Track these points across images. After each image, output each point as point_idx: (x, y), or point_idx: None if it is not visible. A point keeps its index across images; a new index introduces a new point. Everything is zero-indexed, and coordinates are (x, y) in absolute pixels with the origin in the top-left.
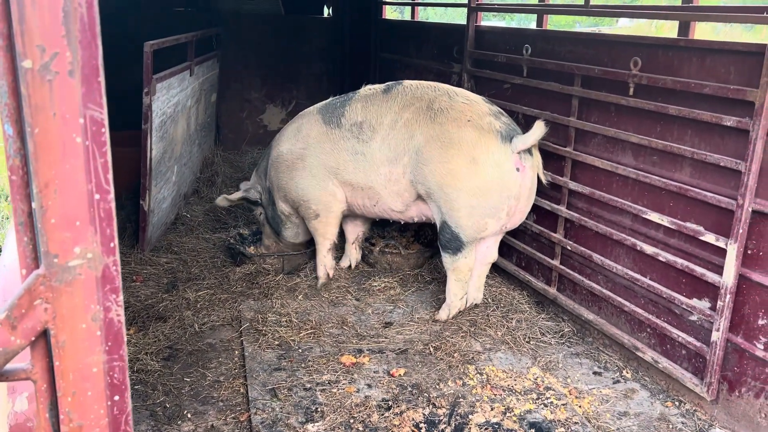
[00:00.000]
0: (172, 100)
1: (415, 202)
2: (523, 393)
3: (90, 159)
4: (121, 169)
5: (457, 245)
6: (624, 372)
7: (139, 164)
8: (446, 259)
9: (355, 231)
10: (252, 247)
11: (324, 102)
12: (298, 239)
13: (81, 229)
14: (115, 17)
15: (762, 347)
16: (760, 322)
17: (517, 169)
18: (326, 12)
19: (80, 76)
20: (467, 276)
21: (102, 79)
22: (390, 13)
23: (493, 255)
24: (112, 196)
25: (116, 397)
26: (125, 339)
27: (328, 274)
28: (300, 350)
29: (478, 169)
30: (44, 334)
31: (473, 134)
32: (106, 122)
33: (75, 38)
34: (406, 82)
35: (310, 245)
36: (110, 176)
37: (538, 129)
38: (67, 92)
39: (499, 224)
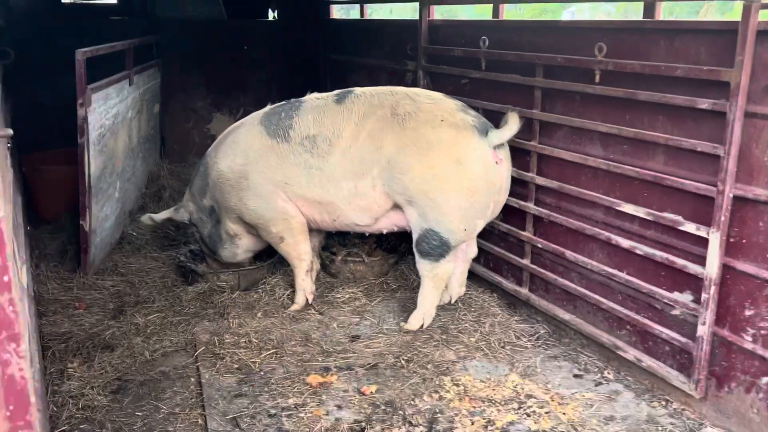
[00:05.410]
0: (111, 112)
1: (386, 214)
2: (503, 403)
3: None
4: (60, 188)
5: (442, 251)
6: (605, 373)
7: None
8: (425, 266)
9: (311, 242)
10: (204, 264)
11: (263, 111)
12: (236, 259)
13: None
14: (46, 28)
15: (750, 339)
16: (747, 312)
17: (496, 162)
18: (271, 15)
19: None
20: (445, 283)
21: None
22: (336, 13)
23: (474, 250)
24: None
25: None
26: (32, 400)
27: (307, 300)
28: (262, 373)
29: (465, 169)
30: None
31: (451, 133)
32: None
33: None
34: (358, 90)
35: (265, 258)
36: (2, 201)
37: (514, 123)
38: None
39: (486, 222)
